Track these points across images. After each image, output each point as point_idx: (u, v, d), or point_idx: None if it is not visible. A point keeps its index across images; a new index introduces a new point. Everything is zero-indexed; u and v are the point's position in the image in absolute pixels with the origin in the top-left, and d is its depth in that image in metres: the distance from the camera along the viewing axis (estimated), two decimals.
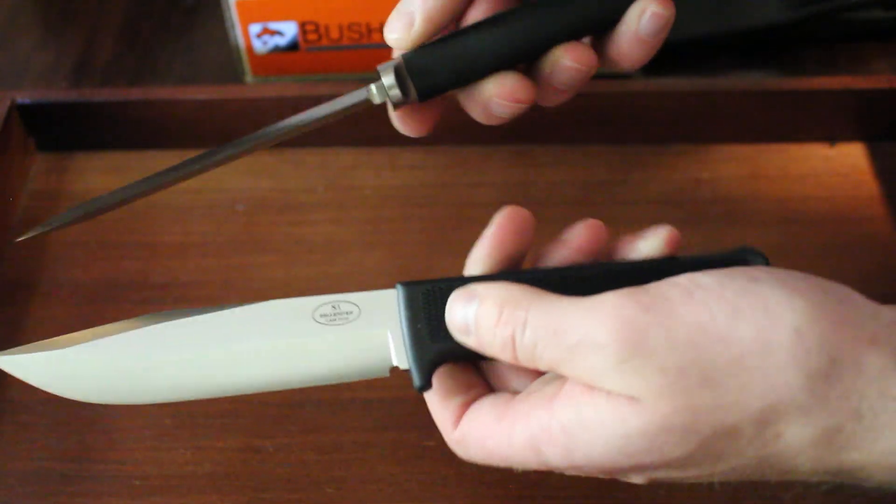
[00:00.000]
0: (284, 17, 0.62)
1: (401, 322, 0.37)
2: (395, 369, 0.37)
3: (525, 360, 0.34)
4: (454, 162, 0.60)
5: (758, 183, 0.59)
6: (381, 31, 0.62)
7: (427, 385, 0.37)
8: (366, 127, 0.59)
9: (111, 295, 0.54)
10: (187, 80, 0.67)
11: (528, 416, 0.34)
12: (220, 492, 0.45)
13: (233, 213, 0.58)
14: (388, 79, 0.38)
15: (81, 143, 0.61)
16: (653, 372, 0.31)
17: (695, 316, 0.31)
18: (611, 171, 0.60)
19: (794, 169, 0.59)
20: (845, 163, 0.60)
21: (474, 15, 0.39)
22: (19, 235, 0.41)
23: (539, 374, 0.37)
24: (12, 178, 0.58)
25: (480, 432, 0.36)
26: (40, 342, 0.38)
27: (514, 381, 0.38)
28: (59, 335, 0.38)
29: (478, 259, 0.38)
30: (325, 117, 0.39)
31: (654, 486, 0.34)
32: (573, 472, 0.34)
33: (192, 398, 0.38)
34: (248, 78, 0.65)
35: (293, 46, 0.63)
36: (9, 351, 0.37)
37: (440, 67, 0.38)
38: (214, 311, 0.38)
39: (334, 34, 0.62)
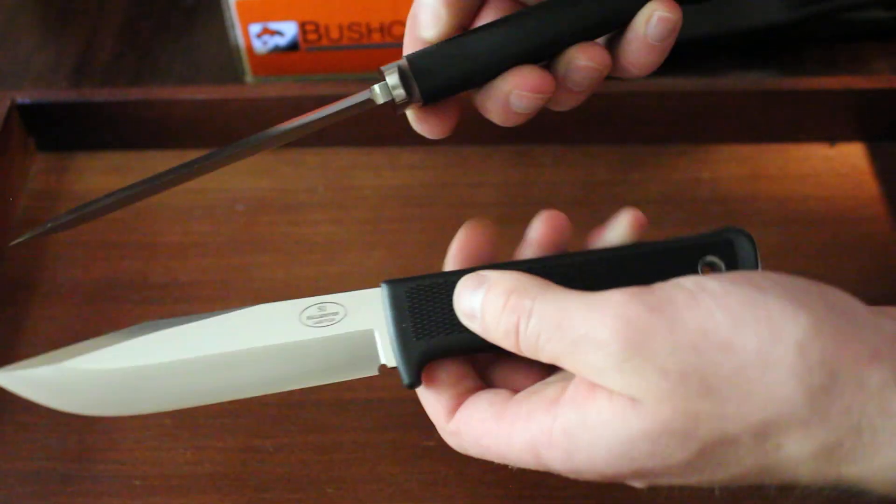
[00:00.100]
0: (284, 17, 0.62)
1: (386, 320, 0.37)
2: (384, 367, 0.38)
3: (527, 350, 0.34)
4: (454, 162, 0.60)
5: (758, 183, 0.59)
6: (381, 31, 0.63)
7: (416, 382, 0.37)
8: (366, 127, 0.59)
9: (111, 295, 0.54)
10: (187, 80, 0.67)
11: (529, 418, 0.34)
12: (220, 492, 0.45)
13: (233, 213, 0.58)
14: (392, 79, 0.38)
15: (81, 143, 0.61)
16: (654, 373, 0.31)
17: (699, 321, 0.31)
18: (611, 171, 0.60)
19: (794, 169, 0.59)
20: (845, 163, 0.60)
21: (483, 21, 0.39)
22: (19, 236, 0.41)
23: (542, 376, 0.37)
24: (12, 178, 0.58)
25: (477, 429, 0.36)
26: (36, 358, 0.38)
27: (515, 380, 0.38)
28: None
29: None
30: (328, 118, 0.39)
31: (653, 489, 0.34)
32: (572, 477, 0.34)
33: (189, 406, 0.38)
34: (249, 78, 0.65)
35: (293, 46, 0.63)
36: (6, 367, 0.37)
37: (446, 68, 0.38)
38: (204, 317, 0.38)
39: (334, 34, 0.62)
